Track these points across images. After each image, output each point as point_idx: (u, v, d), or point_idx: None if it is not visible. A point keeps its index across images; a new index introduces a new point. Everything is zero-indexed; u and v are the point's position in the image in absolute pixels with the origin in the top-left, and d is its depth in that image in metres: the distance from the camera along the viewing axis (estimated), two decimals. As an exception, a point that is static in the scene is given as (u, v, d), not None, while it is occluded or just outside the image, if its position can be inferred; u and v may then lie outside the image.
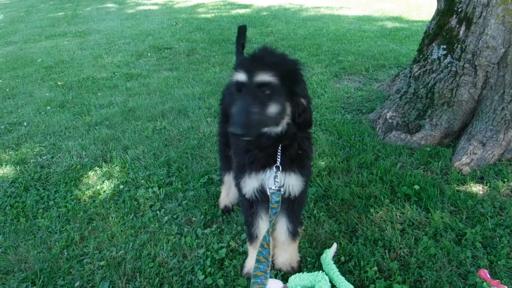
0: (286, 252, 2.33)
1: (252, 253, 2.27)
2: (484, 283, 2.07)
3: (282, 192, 1.98)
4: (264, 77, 1.66)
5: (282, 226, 2.27)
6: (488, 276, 2.08)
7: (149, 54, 7.58)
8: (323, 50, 6.86)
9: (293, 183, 2.00)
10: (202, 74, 6.07)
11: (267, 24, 9.59)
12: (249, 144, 1.92)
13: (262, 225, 2.20)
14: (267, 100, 1.69)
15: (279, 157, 1.90)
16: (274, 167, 1.93)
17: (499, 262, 2.27)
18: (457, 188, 2.94)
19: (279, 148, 1.90)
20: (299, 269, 2.32)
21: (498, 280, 2.04)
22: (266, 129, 1.78)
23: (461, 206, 2.74)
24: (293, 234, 2.27)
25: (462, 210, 2.71)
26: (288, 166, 1.95)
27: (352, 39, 7.55)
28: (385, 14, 10.20)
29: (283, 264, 2.34)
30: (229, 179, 2.78)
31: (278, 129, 1.82)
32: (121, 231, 2.77)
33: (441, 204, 2.78)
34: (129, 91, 5.64)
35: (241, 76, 1.70)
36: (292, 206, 2.19)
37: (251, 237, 2.24)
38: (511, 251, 2.36)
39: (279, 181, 1.95)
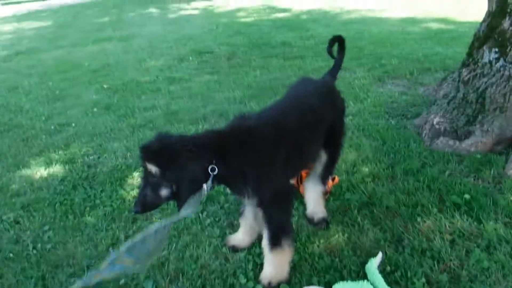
0: (270, 265, 2.26)
1: (242, 226, 2.57)
2: (544, 301, 1.94)
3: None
4: (148, 165, 1.90)
5: (264, 231, 2.24)
6: (548, 293, 1.96)
7: (190, 58, 7.71)
8: (365, 54, 6.74)
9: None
10: (242, 78, 6.10)
11: (306, 27, 9.55)
12: None
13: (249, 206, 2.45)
14: (156, 184, 1.91)
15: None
16: None
17: (559, 279, 2.13)
18: (511, 198, 2.79)
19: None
20: None
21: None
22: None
23: (516, 217, 2.60)
24: (271, 243, 2.20)
25: (518, 222, 2.57)
26: None
27: (395, 42, 7.37)
28: (430, 15, 9.90)
29: (263, 277, 2.28)
30: None
31: None
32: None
33: (494, 215, 2.64)
34: (171, 94, 5.76)
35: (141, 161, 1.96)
36: (264, 210, 2.20)
37: (241, 214, 2.55)
38: None
39: None
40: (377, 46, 7.23)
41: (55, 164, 3.96)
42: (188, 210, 1.88)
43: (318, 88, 2.66)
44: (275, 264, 2.25)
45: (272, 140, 2.15)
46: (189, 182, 1.95)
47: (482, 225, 2.55)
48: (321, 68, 6.04)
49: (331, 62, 2.89)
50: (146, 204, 1.95)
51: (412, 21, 9.41)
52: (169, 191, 1.94)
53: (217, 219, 2.90)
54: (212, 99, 5.36)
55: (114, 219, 3.04)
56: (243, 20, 11.62)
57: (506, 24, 3.42)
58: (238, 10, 13.88)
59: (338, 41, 2.86)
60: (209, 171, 1.97)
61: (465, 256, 2.34)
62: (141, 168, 1.96)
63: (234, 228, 2.78)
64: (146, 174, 1.93)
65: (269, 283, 2.26)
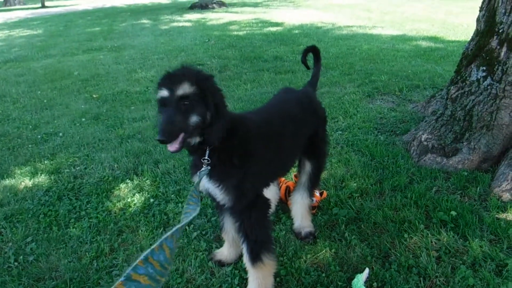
0: (253, 280, 2.22)
1: (226, 241, 2.55)
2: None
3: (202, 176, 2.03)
4: (183, 89, 1.81)
5: (243, 246, 2.20)
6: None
7: (181, 70, 7.70)
8: (356, 69, 6.81)
9: (214, 190, 2.07)
10: (233, 91, 6.11)
11: (298, 42, 9.63)
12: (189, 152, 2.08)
13: (228, 218, 2.42)
14: (188, 110, 1.83)
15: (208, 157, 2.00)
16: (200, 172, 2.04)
17: (544, 298, 2.13)
18: (497, 215, 2.81)
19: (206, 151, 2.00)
20: None
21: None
22: (190, 139, 1.90)
23: (501, 235, 2.61)
24: (251, 257, 2.16)
25: (503, 239, 2.58)
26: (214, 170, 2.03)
27: (385, 59, 7.46)
28: (420, 33, 10.07)
29: None
30: None
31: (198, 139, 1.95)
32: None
33: (480, 232, 2.66)
34: (161, 106, 5.72)
35: (163, 92, 1.84)
36: (240, 222, 2.16)
37: (221, 228, 2.51)
38: (558, 286, 2.21)
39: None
40: (368, 62, 7.31)
41: (41, 174, 3.90)
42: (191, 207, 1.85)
43: (299, 97, 2.69)
44: (258, 279, 2.22)
45: (260, 137, 2.17)
46: (225, 102, 1.97)
47: (468, 242, 2.56)
48: (311, 82, 6.07)
49: (323, 77, 2.92)
50: (173, 131, 1.78)
51: (402, 38, 9.55)
52: (199, 118, 1.84)
53: (204, 232, 2.87)
54: (202, 111, 5.33)
55: (99, 231, 2.99)
56: (235, 33, 11.69)
57: (494, 43, 3.48)
58: (231, 23, 13.98)
59: (312, 52, 2.89)
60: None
61: (451, 273, 2.34)
62: (164, 100, 1.84)
63: (221, 242, 2.75)
64: (172, 102, 1.81)
65: None
